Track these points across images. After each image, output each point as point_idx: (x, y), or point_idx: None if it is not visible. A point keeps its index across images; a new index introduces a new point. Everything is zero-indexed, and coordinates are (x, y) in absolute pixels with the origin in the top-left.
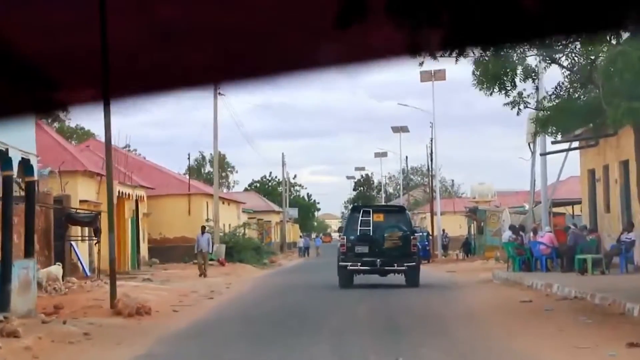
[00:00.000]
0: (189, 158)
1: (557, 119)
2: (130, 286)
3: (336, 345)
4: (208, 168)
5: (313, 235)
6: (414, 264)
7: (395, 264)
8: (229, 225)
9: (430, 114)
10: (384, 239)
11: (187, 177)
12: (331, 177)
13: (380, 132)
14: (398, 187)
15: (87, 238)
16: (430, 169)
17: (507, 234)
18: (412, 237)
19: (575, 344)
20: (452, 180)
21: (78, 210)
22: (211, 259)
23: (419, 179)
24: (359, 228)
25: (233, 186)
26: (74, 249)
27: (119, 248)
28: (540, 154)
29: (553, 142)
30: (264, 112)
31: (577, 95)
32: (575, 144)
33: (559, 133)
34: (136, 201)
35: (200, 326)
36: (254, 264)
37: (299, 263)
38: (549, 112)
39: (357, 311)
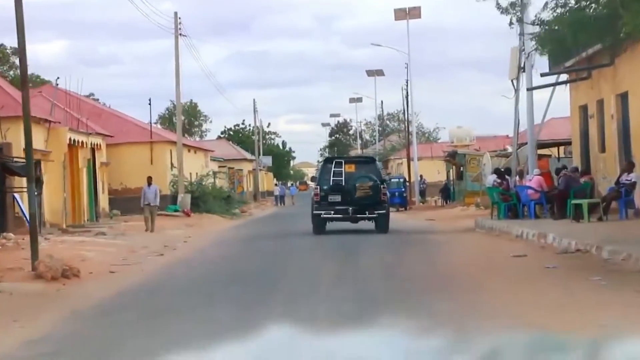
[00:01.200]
0: (149, 103)
1: (561, 35)
2: (75, 242)
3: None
4: None
5: (289, 184)
6: (383, 212)
7: (367, 212)
8: (196, 174)
9: (406, 56)
10: (356, 188)
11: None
12: (307, 125)
13: (355, 79)
14: (374, 133)
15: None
16: (406, 112)
17: (491, 178)
18: (382, 186)
19: (596, 318)
20: (437, 123)
21: (15, 159)
22: (176, 210)
23: (396, 124)
24: (331, 178)
25: (205, 135)
26: (17, 202)
27: (73, 200)
28: (527, 89)
29: (542, 75)
30: (239, 61)
31: (587, 3)
32: (564, 78)
33: (559, 56)
34: (92, 149)
35: (131, 294)
36: (222, 215)
37: (272, 212)
38: (552, 27)
39: (322, 273)
